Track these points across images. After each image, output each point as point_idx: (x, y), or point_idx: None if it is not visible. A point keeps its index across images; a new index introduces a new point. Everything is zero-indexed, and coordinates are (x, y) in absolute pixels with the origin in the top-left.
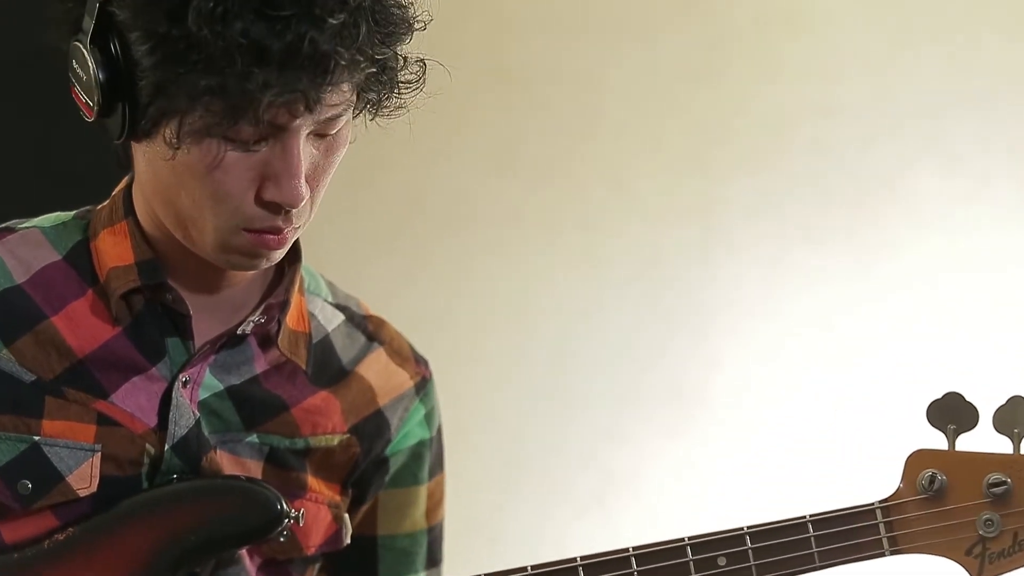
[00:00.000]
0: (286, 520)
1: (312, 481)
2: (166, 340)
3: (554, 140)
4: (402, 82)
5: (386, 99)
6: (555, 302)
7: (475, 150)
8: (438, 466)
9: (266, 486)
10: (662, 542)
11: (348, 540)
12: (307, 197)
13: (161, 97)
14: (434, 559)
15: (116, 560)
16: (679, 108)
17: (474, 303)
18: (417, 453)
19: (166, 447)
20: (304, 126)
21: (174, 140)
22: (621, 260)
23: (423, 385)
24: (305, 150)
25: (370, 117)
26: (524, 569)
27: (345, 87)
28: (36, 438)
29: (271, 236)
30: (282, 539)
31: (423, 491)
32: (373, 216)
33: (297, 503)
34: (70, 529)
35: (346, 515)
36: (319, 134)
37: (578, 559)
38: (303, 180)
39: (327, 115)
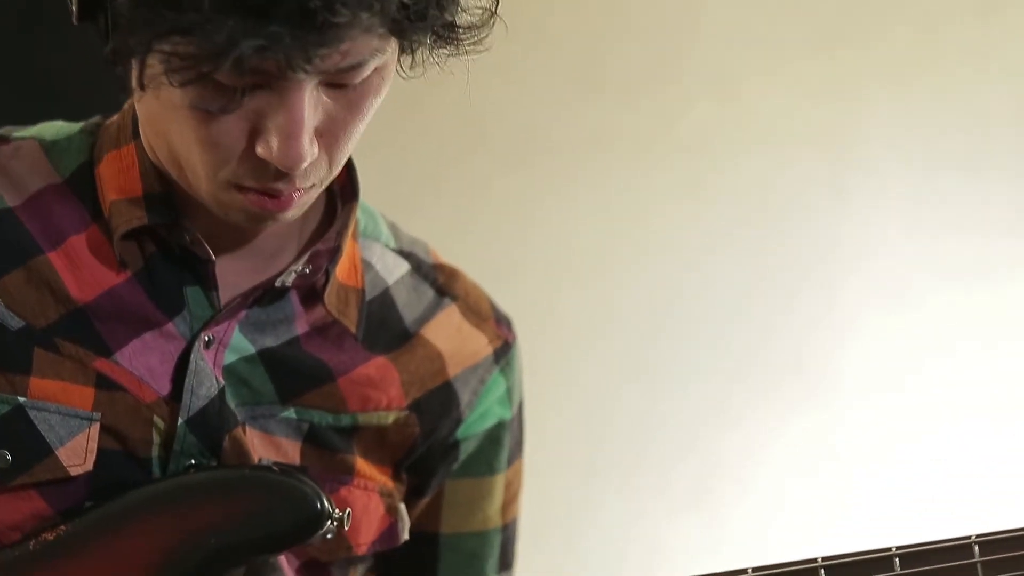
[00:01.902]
0: (328, 523)
1: (361, 464)
2: (185, 290)
3: (646, 48)
4: (458, 26)
5: (437, 44)
6: (648, 250)
7: (546, 62)
8: (517, 451)
9: (305, 480)
10: (787, 564)
11: (406, 535)
12: (313, 158)
13: (127, 24)
14: (507, 562)
15: (119, 568)
16: (806, 7)
17: (546, 254)
18: (495, 437)
19: (179, 421)
20: (308, 79)
21: (140, 81)
22: (731, 197)
23: (505, 352)
24: (314, 102)
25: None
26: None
27: (361, 37)
28: (21, 399)
29: (269, 199)
30: (328, 537)
31: (499, 482)
32: (421, 148)
33: (343, 491)
34: (61, 527)
35: (401, 505)
36: (334, 84)
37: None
38: (306, 139)
39: (342, 65)
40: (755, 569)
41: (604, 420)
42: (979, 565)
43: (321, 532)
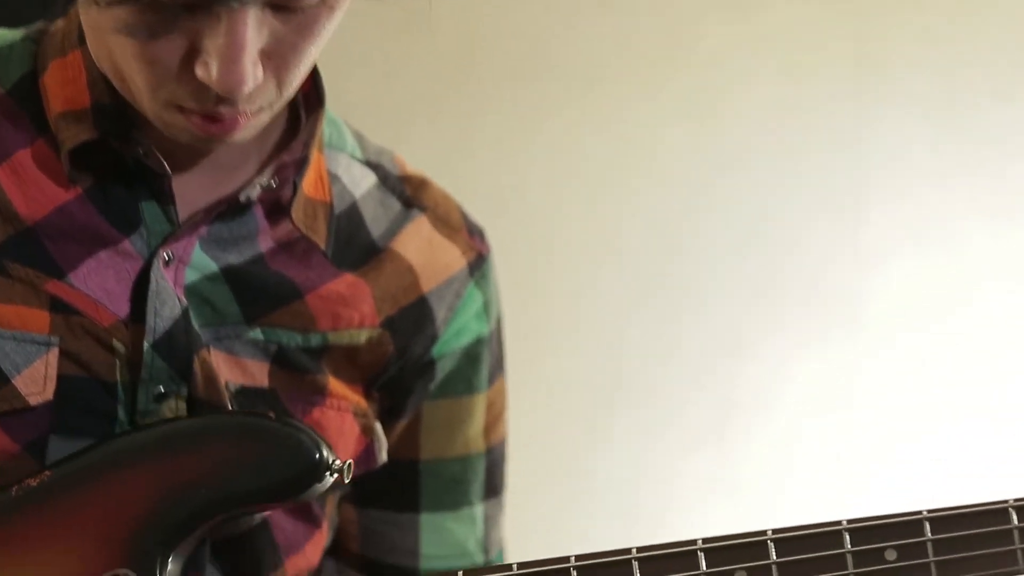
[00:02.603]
0: (327, 475)
1: (333, 384)
2: (140, 205)
3: None
4: None
5: None
6: (657, 169)
7: None
8: (498, 369)
9: (303, 428)
10: (810, 526)
11: (384, 457)
12: (257, 82)
13: None
14: (494, 488)
15: (105, 517)
16: None
17: (547, 175)
18: (473, 354)
19: (145, 345)
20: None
21: None
22: (746, 110)
23: (479, 264)
24: (258, 24)
25: None
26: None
27: None
28: None
29: (212, 123)
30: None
31: (480, 402)
32: (411, 63)
33: (316, 413)
34: (46, 473)
35: (377, 425)
36: (282, 6)
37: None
38: (247, 63)
39: None
40: (775, 530)
41: (613, 352)
42: (1016, 532)
43: (320, 485)
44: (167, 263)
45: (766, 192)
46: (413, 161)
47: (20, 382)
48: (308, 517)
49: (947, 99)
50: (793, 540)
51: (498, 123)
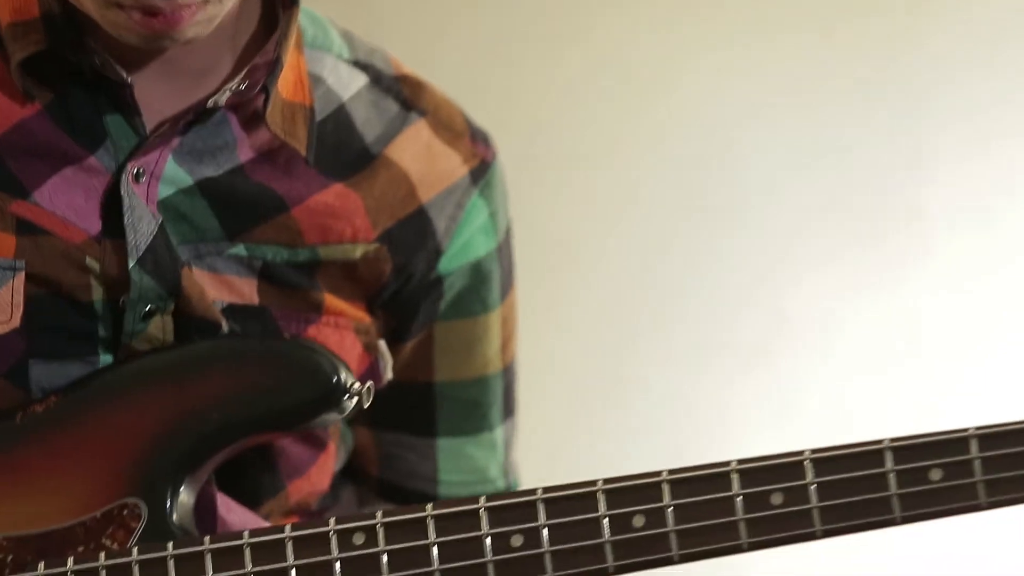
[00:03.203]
0: (346, 399)
1: (329, 300)
2: (104, 118)
3: None
4: None
5: None
6: (706, 78)
7: None
8: (509, 283)
9: (320, 350)
10: (850, 445)
11: (390, 375)
12: None
13: None
14: (511, 408)
15: (114, 443)
16: None
17: (558, 52)
18: (482, 270)
19: (130, 264)
20: None
21: None
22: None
23: (483, 172)
24: None
25: None
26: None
27: None
28: None
29: (153, 18)
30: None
31: (495, 320)
32: None
33: (311, 331)
34: (52, 398)
35: (381, 342)
36: None
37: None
38: None
39: None
40: (814, 451)
41: (646, 265)
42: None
43: (338, 410)
44: (137, 177)
45: (819, 103)
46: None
47: None
48: (312, 440)
49: None
50: (832, 460)
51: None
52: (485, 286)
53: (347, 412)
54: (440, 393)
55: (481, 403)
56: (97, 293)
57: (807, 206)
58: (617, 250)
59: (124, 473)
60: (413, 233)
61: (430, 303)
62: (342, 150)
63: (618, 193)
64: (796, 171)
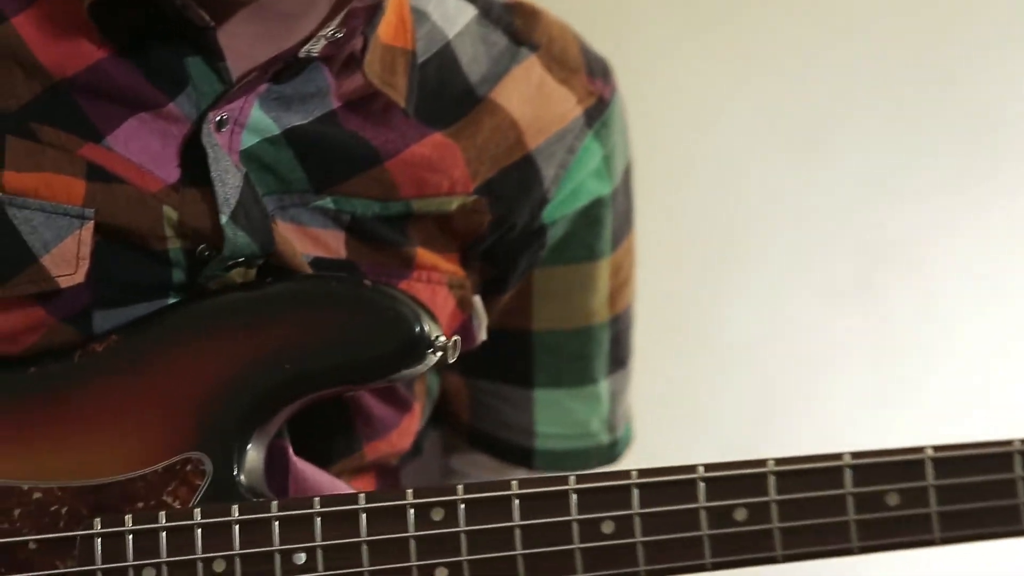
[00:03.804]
0: (429, 353)
1: (422, 254)
2: (185, 62)
3: None
4: None
5: None
6: None
7: None
8: (625, 227)
9: (403, 298)
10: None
11: (484, 335)
12: None
13: None
14: (620, 359)
15: (175, 391)
16: None
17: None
18: (593, 216)
19: (223, 219)
20: None
21: None
22: None
23: (600, 111)
24: None
25: None
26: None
27: None
28: None
29: None
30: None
31: (603, 268)
32: None
33: (402, 286)
34: (112, 337)
35: (477, 299)
36: None
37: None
38: None
39: None
40: (937, 448)
41: (733, 188)
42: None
43: (421, 364)
44: (220, 126)
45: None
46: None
47: (49, 261)
48: (396, 401)
49: None
50: (957, 461)
51: None
52: (594, 233)
53: (430, 367)
54: (538, 343)
55: (583, 355)
56: (173, 244)
57: (904, 128)
58: (690, 168)
59: (188, 424)
60: (517, 183)
61: (531, 252)
62: (444, 95)
63: (689, 104)
64: (897, 87)
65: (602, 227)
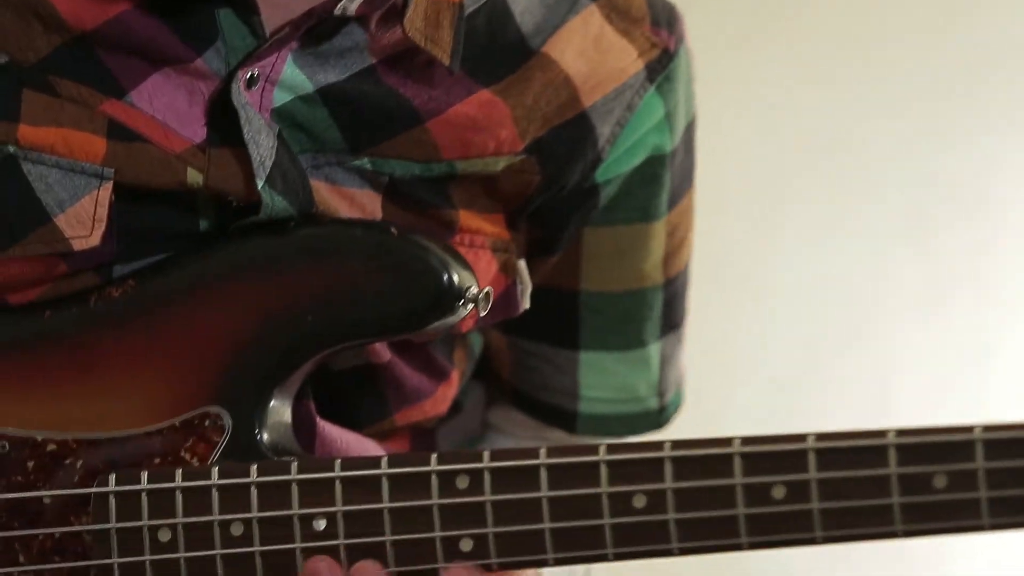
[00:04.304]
0: (459, 305)
1: (464, 217)
2: (217, 15)
3: None
4: None
5: None
6: None
7: None
8: (684, 187)
9: (432, 247)
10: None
11: (527, 303)
12: None
13: None
14: (672, 322)
15: (192, 341)
16: None
17: None
18: (649, 175)
19: (259, 184)
20: None
21: None
22: None
23: (663, 64)
24: None
25: None
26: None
27: None
28: (11, 148)
29: None
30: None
31: (659, 230)
32: None
33: None
34: (130, 282)
35: (521, 263)
36: None
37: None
38: None
39: None
40: (987, 427)
41: (788, 131)
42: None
43: (451, 316)
44: (250, 83)
45: None
46: None
47: (63, 221)
48: (432, 370)
49: None
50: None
51: None
52: (649, 193)
53: (461, 319)
54: (585, 304)
55: (633, 318)
56: (200, 208)
57: (958, 71)
58: (739, 107)
59: (206, 377)
60: (569, 142)
61: (583, 213)
62: (493, 48)
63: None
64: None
65: (659, 187)
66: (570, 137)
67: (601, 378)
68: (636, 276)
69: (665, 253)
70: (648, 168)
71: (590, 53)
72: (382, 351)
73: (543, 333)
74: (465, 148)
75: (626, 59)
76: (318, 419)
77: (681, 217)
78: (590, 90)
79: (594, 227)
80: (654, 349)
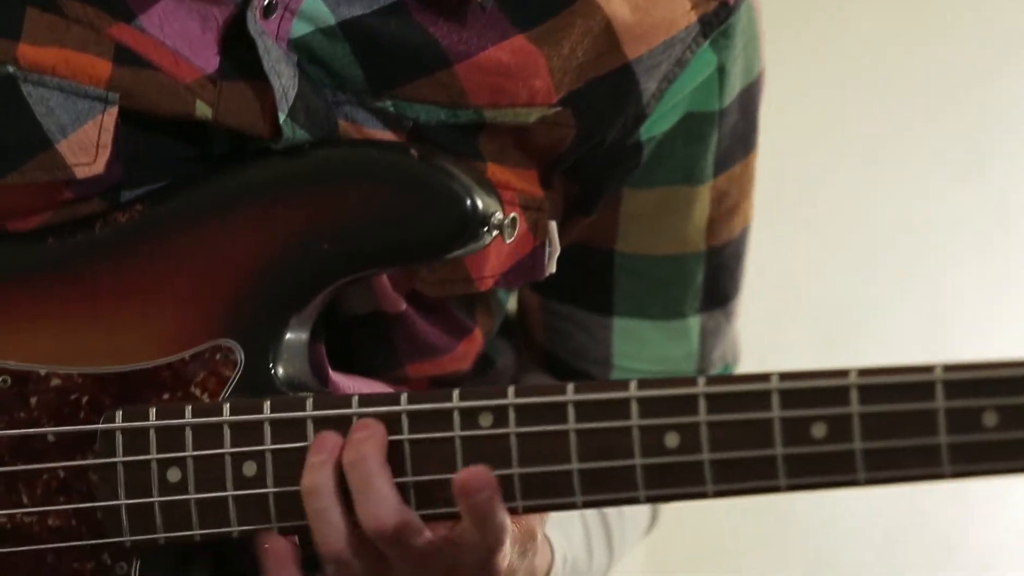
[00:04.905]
0: (483, 231)
1: (493, 170)
2: None
3: None
4: None
5: None
6: None
7: None
8: (739, 150)
9: (453, 170)
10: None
11: (552, 267)
12: None
13: None
14: (718, 296)
15: (201, 270)
16: None
17: None
18: (696, 135)
19: (281, 116)
20: None
21: None
22: None
23: (720, 17)
24: None
25: None
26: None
27: None
28: (10, 68)
29: None
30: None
31: (703, 194)
32: None
33: None
34: (137, 207)
35: (552, 225)
36: None
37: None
38: None
39: None
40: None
41: (845, 59)
42: None
43: (474, 244)
44: (267, 11)
45: None
46: None
47: (65, 147)
48: (450, 325)
49: None
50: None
51: None
52: (693, 154)
53: (485, 246)
54: (621, 266)
55: (672, 285)
56: (212, 134)
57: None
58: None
59: (217, 307)
60: (609, 96)
61: (623, 172)
62: None
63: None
64: None
65: (704, 148)
66: (610, 91)
67: (636, 347)
68: (676, 241)
69: (710, 220)
70: (693, 127)
71: (638, 1)
72: (397, 301)
73: (575, 295)
74: (495, 96)
75: (677, 10)
76: (329, 370)
77: (731, 184)
78: (635, 41)
79: (634, 188)
80: (694, 322)
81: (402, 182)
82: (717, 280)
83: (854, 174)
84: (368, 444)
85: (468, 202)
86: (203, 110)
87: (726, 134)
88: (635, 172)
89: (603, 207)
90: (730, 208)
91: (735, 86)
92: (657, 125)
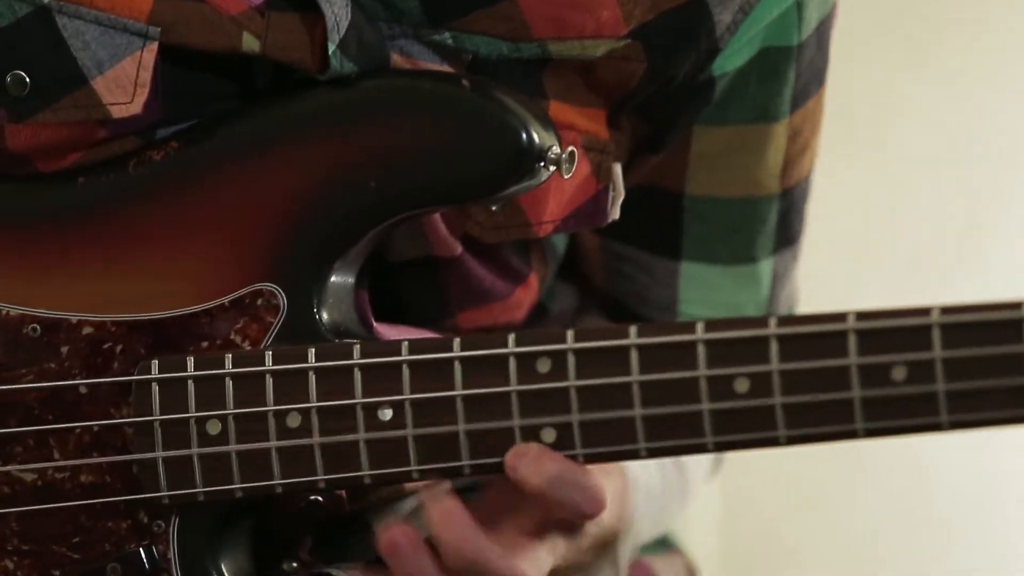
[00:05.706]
0: (539, 166)
1: (556, 108)
2: None
3: None
4: None
5: None
6: None
7: None
8: (812, 86)
9: (510, 101)
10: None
11: (616, 213)
12: None
13: None
14: (788, 236)
15: (245, 215)
16: None
17: None
18: (771, 71)
19: (330, 47)
20: None
21: None
22: None
23: None
24: None
25: None
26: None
27: None
28: (44, 0)
29: None
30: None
31: (779, 132)
32: None
33: None
34: (172, 144)
35: (617, 167)
36: None
37: None
38: None
39: None
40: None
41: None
42: None
43: (530, 180)
44: None
45: None
46: None
47: (101, 84)
48: (505, 270)
49: None
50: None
51: None
52: (770, 91)
53: (541, 183)
54: (690, 209)
55: (744, 229)
56: (256, 72)
57: None
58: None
59: (258, 250)
60: (681, 29)
61: (694, 108)
62: None
63: None
64: None
65: (781, 84)
66: (682, 23)
67: (704, 293)
68: (749, 183)
69: (785, 160)
70: (769, 62)
71: None
72: (452, 244)
73: (641, 238)
74: (560, 28)
75: None
76: (372, 321)
77: (805, 120)
78: None
79: (705, 125)
80: (766, 266)
81: (454, 114)
82: (788, 221)
83: (940, 94)
84: (456, 528)
85: (523, 135)
86: (250, 43)
87: (804, 69)
88: (706, 109)
89: (672, 146)
90: (803, 146)
91: (812, 18)
92: (731, 60)
